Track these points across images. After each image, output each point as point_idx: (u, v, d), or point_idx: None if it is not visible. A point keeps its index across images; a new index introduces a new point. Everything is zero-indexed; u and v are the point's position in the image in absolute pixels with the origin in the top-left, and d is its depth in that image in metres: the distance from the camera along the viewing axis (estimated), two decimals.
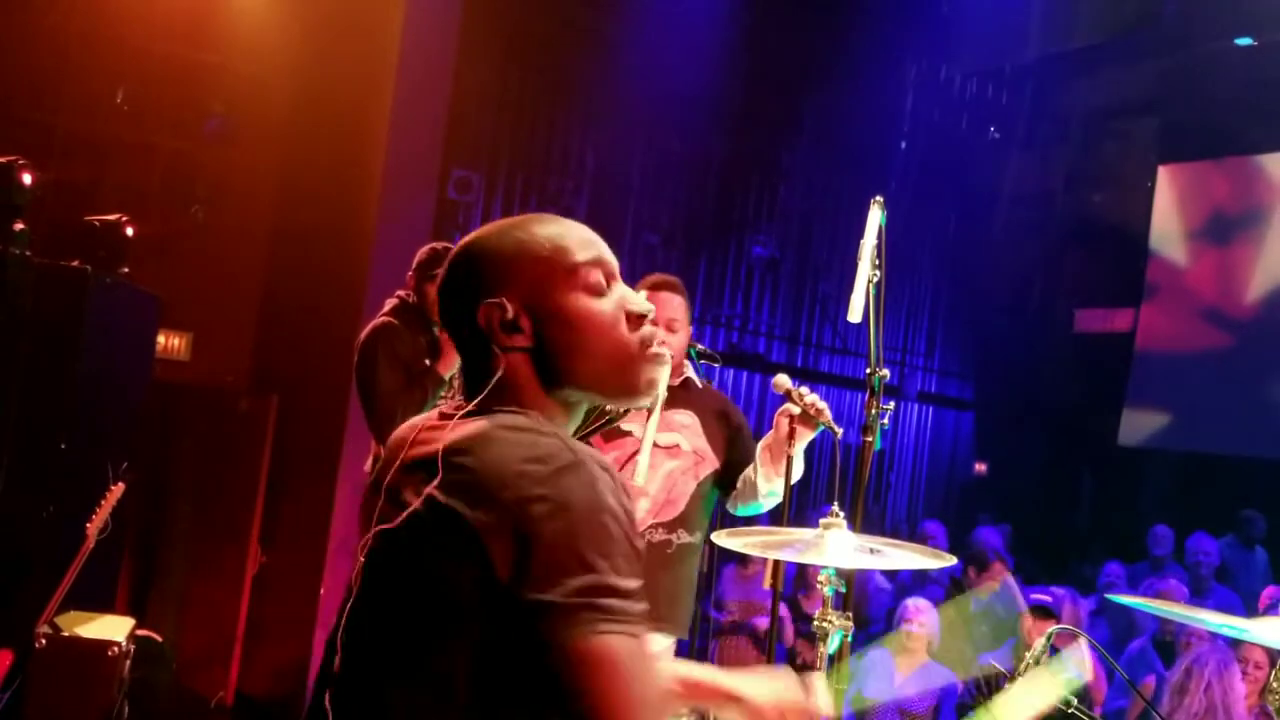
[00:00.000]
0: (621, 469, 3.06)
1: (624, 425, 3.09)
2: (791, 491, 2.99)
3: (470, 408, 1.37)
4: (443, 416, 1.42)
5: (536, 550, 1.19)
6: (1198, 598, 6.05)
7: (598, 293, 1.40)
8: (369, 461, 4.28)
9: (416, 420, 1.46)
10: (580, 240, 1.42)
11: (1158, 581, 5.79)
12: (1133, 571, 6.82)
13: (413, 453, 1.38)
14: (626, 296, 1.43)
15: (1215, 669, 4.19)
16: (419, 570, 1.28)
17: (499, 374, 1.36)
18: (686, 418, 3.19)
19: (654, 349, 1.42)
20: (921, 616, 4.88)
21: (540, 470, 1.22)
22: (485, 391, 1.36)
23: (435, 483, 1.27)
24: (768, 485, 3.05)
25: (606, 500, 1.23)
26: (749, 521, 3.19)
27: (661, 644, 3.10)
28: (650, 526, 3.06)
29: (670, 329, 3.15)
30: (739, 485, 3.18)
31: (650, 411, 3.05)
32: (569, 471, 1.22)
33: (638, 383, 1.41)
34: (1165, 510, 8.16)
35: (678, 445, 3.14)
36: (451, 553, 1.24)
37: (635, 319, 1.41)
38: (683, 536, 3.12)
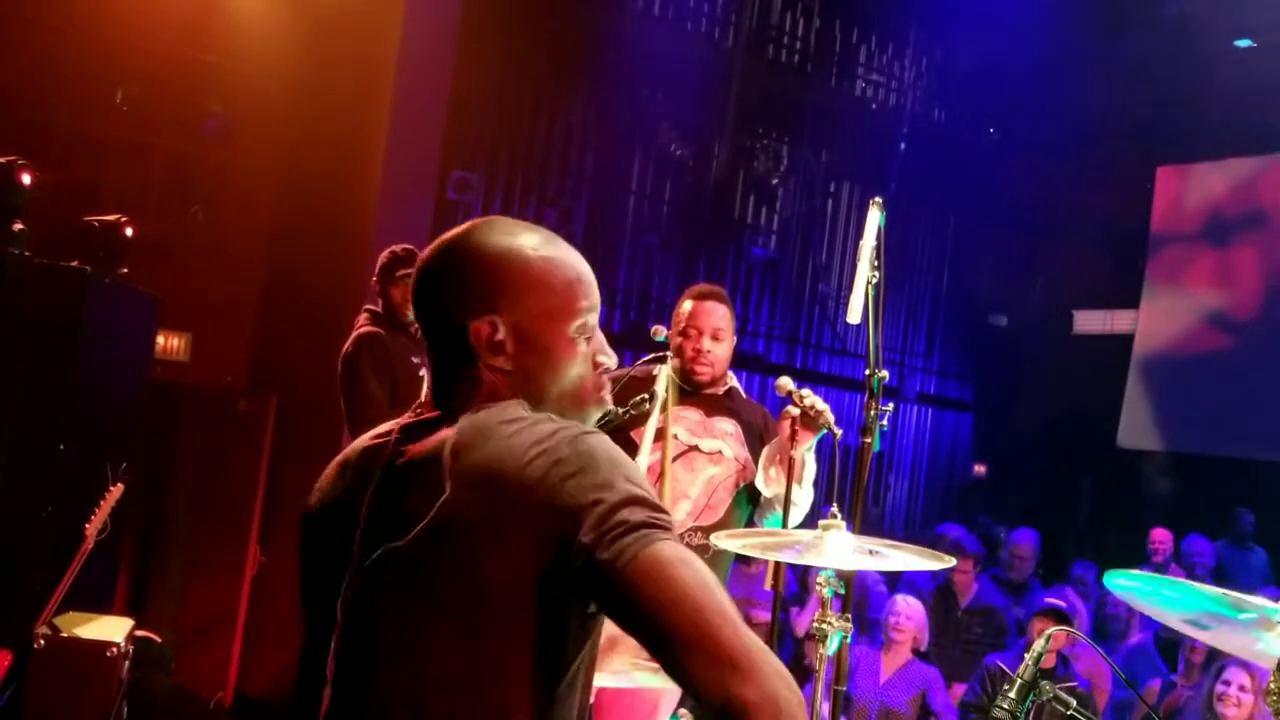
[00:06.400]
0: (664, 472, 3.06)
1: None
2: (818, 491, 2.99)
3: (438, 414, 1.38)
4: (403, 430, 1.39)
5: (583, 510, 1.22)
6: None
7: (584, 336, 1.43)
8: None
9: (373, 432, 1.44)
10: (583, 279, 1.44)
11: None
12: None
13: (398, 461, 1.35)
14: (600, 344, 1.47)
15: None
16: (446, 582, 1.26)
17: (482, 388, 1.38)
18: (730, 425, 3.19)
19: (603, 393, 1.49)
20: (909, 613, 4.89)
21: (550, 445, 1.26)
22: (470, 404, 1.37)
23: (447, 487, 1.26)
24: (770, 488, 3.03)
25: (613, 448, 1.30)
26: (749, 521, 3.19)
27: None
28: (689, 530, 3.06)
29: (716, 338, 3.19)
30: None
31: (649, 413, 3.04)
32: (576, 439, 1.28)
33: (584, 420, 1.47)
34: (1165, 512, 8.14)
35: (720, 452, 3.14)
36: (481, 555, 1.24)
37: (597, 366, 1.46)
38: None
